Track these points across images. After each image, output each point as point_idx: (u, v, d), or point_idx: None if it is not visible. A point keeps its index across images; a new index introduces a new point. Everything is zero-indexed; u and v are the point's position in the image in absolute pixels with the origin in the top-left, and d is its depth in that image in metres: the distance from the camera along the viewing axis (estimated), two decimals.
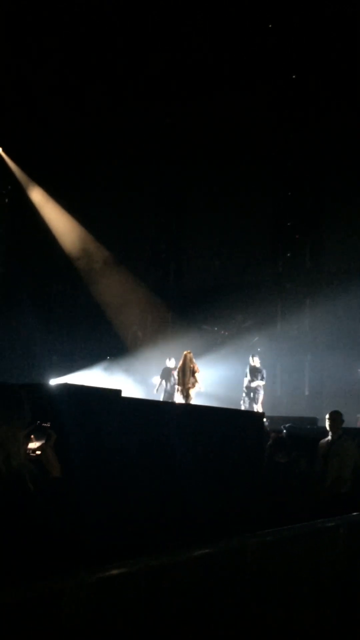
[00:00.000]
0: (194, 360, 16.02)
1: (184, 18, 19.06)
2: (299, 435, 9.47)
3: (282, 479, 7.40)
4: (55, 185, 22.30)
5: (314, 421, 13.77)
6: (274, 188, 21.77)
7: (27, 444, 3.72)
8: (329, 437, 8.69)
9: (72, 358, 21.27)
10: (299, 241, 20.93)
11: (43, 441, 3.82)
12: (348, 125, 18.54)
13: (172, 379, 16.62)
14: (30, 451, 3.74)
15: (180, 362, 15.93)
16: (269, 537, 4.38)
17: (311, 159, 20.57)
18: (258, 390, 16.10)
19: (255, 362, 16.40)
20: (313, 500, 7.50)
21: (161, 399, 16.41)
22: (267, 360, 18.33)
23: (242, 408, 15.72)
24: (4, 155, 22.14)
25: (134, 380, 19.22)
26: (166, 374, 16.99)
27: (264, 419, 10.00)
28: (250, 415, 12.02)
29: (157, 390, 17.00)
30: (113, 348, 21.81)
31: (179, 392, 15.79)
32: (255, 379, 16.20)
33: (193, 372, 15.77)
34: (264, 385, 16.31)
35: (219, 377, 18.17)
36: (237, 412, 12.08)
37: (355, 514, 5.57)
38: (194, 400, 15.61)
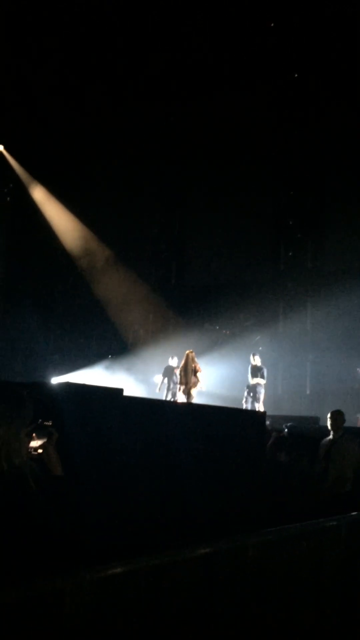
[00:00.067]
0: (196, 359, 16.02)
1: (184, 18, 19.04)
2: (301, 435, 9.45)
3: (284, 478, 7.40)
4: (57, 184, 22.30)
5: (315, 420, 13.77)
6: (275, 187, 21.77)
7: (29, 443, 3.72)
8: (331, 437, 8.68)
9: (73, 357, 21.27)
10: (300, 240, 20.93)
11: (44, 440, 3.82)
12: (349, 124, 18.53)
13: (174, 377, 16.63)
14: (32, 450, 3.75)
15: (183, 362, 15.94)
16: (270, 536, 4.38)
17: (312, 158, 20.57)
18: (258, 388, 16.09)
19: (256, 361, 16.40)
20: (314, 500, 7.49)
21: (163, 398, 16.43)
22: (269, 359, 18.32)
23: (244, 407, 15.72)
24: (5, 153, 22.15)
25: (136, 379, 19.24)
26: (168, 372, 17.01)
27: (266, 418, 10.01)
28: (251, 414, 12.02)
29: (160, 388, 17.01)
30: (114, 347, 21.82)
31: (180, 391, 15.81)
32: (255, 377, 16.21)
33: (195, 372, 15.77)
34: (265, 384, 16.30)
35: (221, 376, 18.17)
36: (238, 412, 12.10)
37: (356, 513, 5.57)
38: (196, 399, 15.61)
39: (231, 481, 6.73)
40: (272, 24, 19.30)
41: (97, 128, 21.24)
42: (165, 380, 16.97)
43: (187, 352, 16.02)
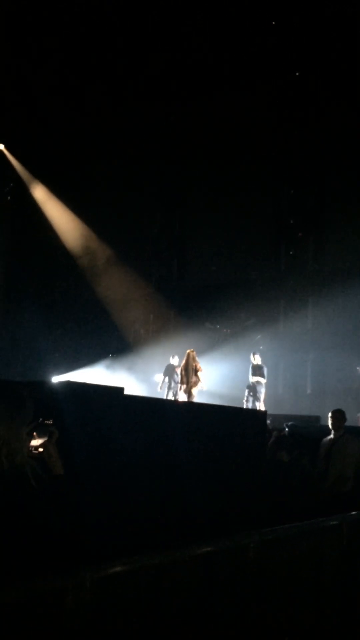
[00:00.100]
0: (197, 358, 16.03)
1: (184, 18, 19.03)
2: (301, 434, 9.46)
3: (284, 477, 7.40)
4: (58, 183, 22.30)
5: (316, 419, 13.77)
6: (276, 186, 21.78)
7: (30, 442, 3.72)
8: (331, 436, 8.68)
9: (74, 356, 21.27)
10: (301, 239, 20.93)
11: (45, 438, 3.82)
12: (350, 123, 18.52)
13: (176, 376, 16.64)
14: (33, 448, 3.75)
15: (184, 361, 15.95)
16: (270, 535, 4.38)
17: (313, 157, 20.57)
18: (259, 387, 16.09)
19: (257, 360, 16.42)
20: (315, 499, 7.49)
21: (165, 396, 16.44)
22: (270, 358, 18.32)
23: (245, 406, 15.72)
24: (6, 152, 22.15)
25: (136, 378, 19.24)
26: (169, 371, 17.02)
27: (266, 418, 10.00)
28: (252, 413, 12.02)
29: (161, 387, 17.02)
30: (115, 346, 21.83)
31: (181, 391, 15.82)
32: (255, 376, 16.22)
33: (196, 371, 15.78)
34: (265, 383, 16.30)
35: (222, 375, 18.17)
36: (239, 411, 12.09)
37: (357, 512, 5.57)
38: (196, 399, 15.62)
39: (232, 480, 6.72)
40: (273, 23, 19.28)
41: (97, 127, 21.24)
42: (167, 379, 16.99)
43: (188, 351, 16.04)
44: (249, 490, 6.75)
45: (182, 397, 15.71)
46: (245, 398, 16.14)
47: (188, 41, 19.66)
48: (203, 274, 22.91)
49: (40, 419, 3.87)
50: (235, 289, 21.26)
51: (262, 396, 16.08)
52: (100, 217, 22.43)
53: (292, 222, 20.99)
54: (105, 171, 22.26)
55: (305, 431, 10.19)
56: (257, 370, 16.29)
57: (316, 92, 19.72)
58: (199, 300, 22.04)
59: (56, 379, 15.55)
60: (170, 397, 16.49)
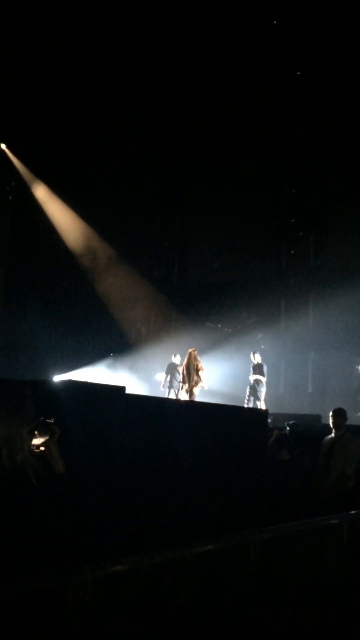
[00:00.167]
0: (198, 358, 16.05)
1: (184, 18, 19.03)
2: (302, 433, 9.45)
3: (285, 476, 7.40)
4: (59, 183, 22.31)
5: (317, 418, 13.77)
6: (277, 185, 21.75)
7: (31, 440, 3.73)
8: (333, 435, 8.68)
9: (76, 355, 21.29)
10: (302, 238, 20.92)
11: (47, 437, 3.83)
12: (350, 122, 18.50)
13: (177, 375, 16.66)
14: (34, 447, 3.75)
15: (185, 360, 15.97)
16: (271, 534, 4.38)
17: (314, 156, 20.54)
18: (259, 386, 16.09)
19: (257, 359, 16.43)
20: (316, 498, 7.50)
21: (167, 395, 16.45)
22: (271, 357, 18.32)
23: (246, 405, 15.73)
24: (7, 152, 22.16)
25: (138, 377, 19.25)
26: (171, 370, 17.03)
27: (267, 416, 10.01)
28: (253, 412, 12.03)
29: (164, 386, 17.02)
30: (117, 345, 21.83)
31: (183, 390, 15.83)
32: (255, 375, 16.23)
33: (197, 370, 15.80)
34: (265, 381, 16.29)
35: (223, 374, 18.17)
36: (240, 410, 12.10)
37: (358, 511, 5.57)
38: (198, 397, 15.63)
39: (233, 479, 6.73)
40: (275, 22, 19.27)
41: (98, 127, 21.24)
42: (169, 377, 17.00)
43: (190, 350, 16.06)
44: (249, 489, 6.76)
45: (184, 396, 15.72)
46: (247, 397, 16.16)
47: (188, 41, 19.65)
48: (204, 273, 22.91)
49: (42, 418, 3.88)
50: (236, 288, 21.26)
51: (262, 395, 16.08)
52: (101, 217, 22.43)
53: (292, 221, 20.98)
54: (106, 171, 22.25)
55: (306, 430, 10.18)
56: (257, 369, 16.30)
57: (316, 92, 19.70)
58: (200, 299, 22.04)
59: (57, 378, 15.57)
60: (172, 396, 16.51)
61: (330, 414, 8.86)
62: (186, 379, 15.75)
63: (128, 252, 22.97)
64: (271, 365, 17.75)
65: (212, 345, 19.27)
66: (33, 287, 22.74)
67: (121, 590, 3.17)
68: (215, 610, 3.75)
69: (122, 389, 6.64)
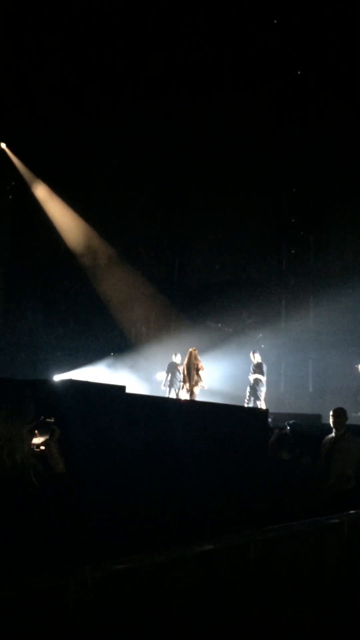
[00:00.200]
0: (198, 357, 16.05)
1: (184, 18, 19.03)
2: (303, 432, 9.46)
3: (285, 476, 7.40)
4: (59, 182, 22.30)
5: (317, 418, 13.76)
6: (278, 185, 21.74)
7: (31, 440, 3.73)
8: (333, 434, 8.68)
9: (76, 354, 21.29)
10: (302, 238, 20.92)
11: (47, 436, 3.84)
12: (350, 122, 18.50)
13: (178, 374, 16.67)
14: (34, 446, 3.76)
15: (186, 359, 15.98)
16: (271, 534, 4.38)
17: (314, 156, 20.54)
18: (259, 385, 16.08)
19: (256, 358, 16.43)
20: (316, 498, 7.50)
21: (168, 394, 16.45)
22: (271, 357, 18.33)
23: (247, 405, 15.73)
24: (8, 151, 22.15)
25: (138, 377, 19.25)
26: (172, 369, 17.03)
27: (268, 416, 10.00)
28: (253, 412, 12.03)
29: (164, 385, 17.02)
30: (117, 344, 21.84)
31: (183, 389, 15.84)
32: (255, 374, 16.23)
33: (197, 370, 15.80)
34: (265, 380, 16.28)
35: (223, 373, 18.18)
36: (240, 409, 12.09)
37: (358, 511, 5.57)
38: (198, 397, 15.64)
39: (233, 479, 6.73)
40: (275, 21, 19.26)
41: (98, 127, 21.23)
42: (169, 376, 17.01)
43: (191, 349, 16.06)
44: (249, 488, 6.75)
45: (184, 395, 15.72)
46: (247, 397, 16.16)
47: (188, 41, 19.65)
48: (204, 273, 22.91)
49: (42, 417, 3.88)
50: (236, 287, 21.27)
51: (262, 395, 16.07)
52: (102, 217, 22.43)
53: (293, 221, 20.98)
54: (107, 170, 22.25)
55: (306, 430, 10.18)
56: (256, 368, 16.31)
57: (317, 90, 19.70)
58: (201, 299, 22.04)
59: (58, 377, 15.57)
60: (173, 395, 16.51)
61: (331, 413, 8.86)
62: (187, 378, 15.76)
63: (128, 251, 22.97)
64: (271, 364, 17.75)
65: (212, 345, 19.26)
66: (33, 287, 22.75)
67: (121, 590, 3.17)
68: (215, 610, 3.75)
69: (123, 388, 6.64)
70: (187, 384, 15.73)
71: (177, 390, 16.62)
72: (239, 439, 7.33)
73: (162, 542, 3.70)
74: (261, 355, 16.73)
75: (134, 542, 4.00)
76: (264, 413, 10.14)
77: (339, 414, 8.76)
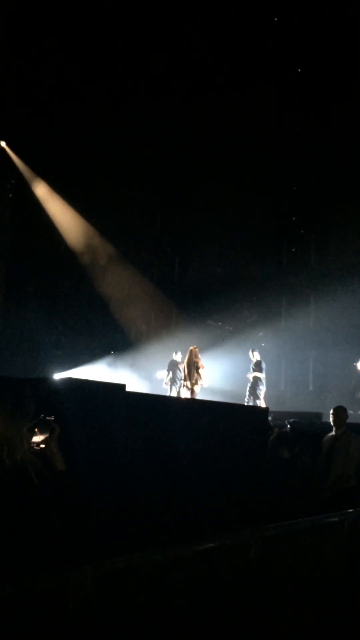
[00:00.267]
0: (199, 355, 16.05)
1: (184, 18, 19.02)
2: (303, 431, 9.44)
3: (286, 474, 7.39)
4: (60, 181, 22.29)
5: (318, 416, 13.75)
6: (278, 184, 21.74)
7: (31, 438, 3.72)
8: (333, 433, 8.67)
9: (76, 353, 21.29)
10: (303, 237, 20.91)
11: (47, 435, 3.83)
12: (351, 121, 18.49)
13: (178, 372, 16.66)
14: (34, 445, 3.75)
15: (187, 357, 15.98)
16: (272, 532, 4.38)
17: (315, 154, 20.54)
18: (257, 384, 16.07)
19: (255, 356, 16.42)
20: (316, 496, 7.49)
21: (169, 392, 16.45)
22: (272, 355, 18.33)
23: (247, 403, 15.72)
24: (8, 149, 22.13)
25: (138, 375, 19.24)
26: (172, 367, 17.02)
27: (268, 414, 10.00)
28: (254, 410, 12.02)
29: (166, 383, 17.02)
30: (117, 343, 21.83)
31: (184, 387, 15.84)
32: (254, 372, 16.22)
33: (197, 368, 15.80)
34: (264, 378, 16.26)
35: (224, 372, 18.17)
36: (240, 407, 12.09)
37: (359, 509, 5.56)
38: (199, 395, 15.64)
39: (233, 477, 6.72)
40: (275, 19, 19.25)
41: (98, 125, 21.22)
42: (170, 375, 17.00)
43: (191, 347, 16.06)
44: (249, 487, 6.75)
45: (185, 393, 15.72)
46: (247, 396, 16.15)
47: (188, 41, 19.65)
48: (205, 271, 22.91)
49: (42, 416, 3.88)
50: (237, 286, 21.25)
51: (261, 394, 16.05)
52: (102, 215, 22.43)
53: (293, 219, 20.97)
54: (107, 169, 22.24)
55: (307, 428, 10.17)
56: (255, 366, 16.30)
57: (317, 91, 19.70)
58: (201, 297, 22.03)
59: (58, 375, 15.55)
60: (174, 393, 16.51)
61: (331, 412, 8.86)
62: (187, 376, 15.77)
63: (129, 250, 22.98)
64: (272, 363, 17.74)
65: (213, 343, 19.25)
66: (33, 285, 22.75)
67: (121, 590, 3.16)
68: (215, 609, 3.75)
69: (123, 386, 6.63)
70: (188, 382, 15.72)
71: (178, 389, 16.61)
72: (239, 438, 7.33)
73: (162, 541, 3.70)
74: (261, 353, 16.72)
75: (134, 541, 4.00)
76: (264, 411, 10.14)
77: (339, 412, 8.76)
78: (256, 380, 16.12)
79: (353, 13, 17.93)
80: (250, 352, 16.64)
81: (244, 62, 19.59)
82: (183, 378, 16.04)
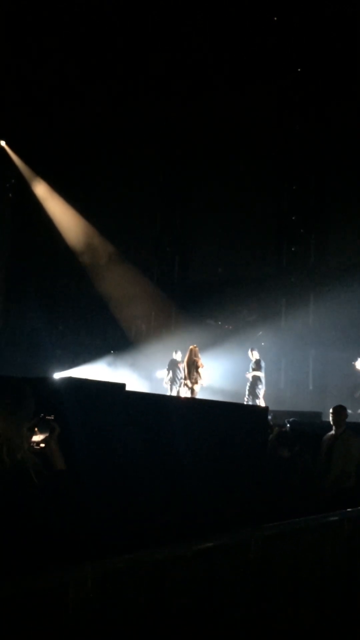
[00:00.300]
0: (199, 354, 16.05)
1: (184, 18, 19.02)
2: (303, 430, 9.45)
3: (285, 473, 7.39)
4: (60, 180, 22.29)
5: (318, 416, 13.75)
6: (278, 183, 21.73)
7: (31, 437, 3.72)
8: (333, 432, 8.68)
9: (76, 352, 21.29)
10: (303, 236, 20.90)
11: (47, 434, 3.83)
12: (351, 120, 18.48)
13: (178, 371, 16.67)
14: (34, 444, 3.75)
15: (187, 356, 15.98)
16: (271, 531, 4.38)
17: (315, 153, 20.53)
18: (257, 383, 16.07)
19: (254, 355, 16.42)
20: (316, 496, 7.49)
21: (169, 391, 16.46)
22: (272, 354, 18.33)
23: (246, 402, 15.72)
24: (7, 149, 22.13)
25: (138, 374, 19.24)
26: (172, 366, 17.03)
27: (268, 413, 9.99)
28: (253, 409, 12.02)
29: (166, 382, 17.02)
30: (117, 342, 21.82)
31: (184, 386, 15.85)
32: (253, 371, 16.22)
33: (196, 367, 15.80)
34: (264, 378, 16.26)
35: (224, 371, 18.18)
36: (240, 407, 12.08)
37: (358, 509, 5.56)
38: (199, 394, 15.64)
39: (233, 476, 6.72)
40: (275, 18, 19.24)
41: (98, 124, 21.23)
42: (170, 374, 17.01)
43: (191, 347, 16.06)
44: (249, 486, 6.75)
45: (184, 392, 15.72)
46: (246, 396, 16.15)
47: (188, 41, 19.65)
48: (205, 271, 22.90)
49: (42, 415, 3.87)
50: (236, 285, 21.25)
51: (261, 393, 16.06)
52: (102, 214, 22.42)
53: (293, 218, 20.96)
54: (107, 168, 22.24)
55: (306, 427, 10.18)
56: (255, 366, 16.31)
57: (317, 90, 19.69)
58: (201, 296, 22.02)
59: (58, 375, 15.55)
60: (175, 392, 16.52)
61: (331, 411, 8.87)
62: (187, 375, 15.78)
63: (129, 249, 22.96)
64: (272, 362, 17.74)
65: (212, 343, 19.25)
66: (33, 285, 22.74)
67: (121, 589, 3.16)
68: (215, 609, 3.75)
69: (123, 386, 6.63)
70: (188, 381, 15.73)
71: (178, 388, 16.62)
72: (239, 437, 7.32)
73: (162, 540, 3.70)
74: (261, 352, 16.72)
75: (134, 540, 4.00)
76: (263, 411, 10.13)
77: (339, 411, 8.77)
78: (255, 379, 16.12)
79: (353, 13, 17.93)
80: (249, 351, 16.64)
81: (243, 62, 19.58)
82: (183, 377, 16.05)
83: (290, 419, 10.69)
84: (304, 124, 20.16)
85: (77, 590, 2.88)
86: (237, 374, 17.57)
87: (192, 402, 11.57)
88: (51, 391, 5.71)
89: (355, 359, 17.01)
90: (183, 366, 16.16)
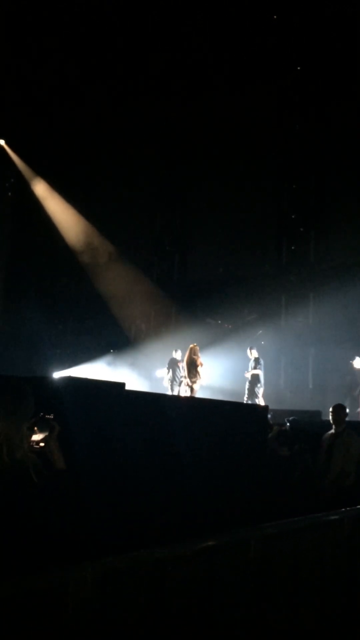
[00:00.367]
0: (198, 353, 16.05)
1: (184, 18, 19.02)
2: (303, 429, 9.45)
3: (285, 472, 7.39)
4: (59, 179, 22.28)
5: (317, 414, 13.75)
6: (278, 182, 21.72)
7: (31, 436, 3.72)
8: (333, 431, 8.68)
9: (76, 351, 21.28)
10: (302, 234, 20.89)
11: (46, 433, 3.83)
12: (351, 118, 18.47)
13: (179, 370, 16.67)
14: (34, 443, 3.75)
15: (187, 355, 15.98)
16: (271, 530, 4.38)
17: (314, 152, 20.51)
18: (256, 382, 16.06)
19: (253, 354, 16.42)
20: (316, 494, 7.49)
21: (170, 390, 16.46)
22: (271, 353, 18.31)
23: (246, 401, 15.72)
24: (7, 148, 22.12)
25: (138, 374, 19.24)
26: (172, 365, 17.03)
27: (268, 412, 9.98)
28: (253, 408, 12.01)
29: (166, 381, 17.01)
30: (117, 342, 21.82)
31: (184, 385, 15.85)
32: (252, 370, 16.22)
33: (196, 366, 15.80)
34: (263, 376, 16.25)
35: (224, 370, 18.17)
36: (240, 405, 12.08)
37: (358, 507, 5.56)
38: (198, 393, 15.64)
39: (232, 476, 6.72)
40: (275, 17, 19.23)
41: (98, 124, 21.23)
42: (171, 372, 17.01)
43: (191, 345, 16.06)
44: (249, 485, 6.75)
45: (184, 391, 15.72)
46: (246, 395, 16.15)
47: (188, 41, 19.65)
48: (205, 270, 22.89)
49: (42, 414, 3.87)
50: (236, 284, 21.23)
51: (260, 392, 16.06)
52: (102, 214, 22.42)
53: (293, 217, 20.95)
54: (107, 167, 22.24)
55: (306, 426, 10.17)
56: (253, 364, 16.31)
57: (317, 89, 19.68)
58: (200, 295, 22.01)
59: (58, 374, 15.55)
60: (175, 391, 16.52)
61: (331, 410, 8.87)
62: (187, 374, 15.79)
63: (128, 248, 22.96)
64: (271, 361, 17.73)
65: (212, 342, 19.24)
66: (33, 284, 22.74)
67: (121, 588, 3.16)
68: (215, 609, 3.75)
69: (122, 385, 6.62)
70: (188, 380, 15.74)
71: (178, 387, 16.62)
72: (239, 436, 7.32)
73: (162, 539, 3.70)
74: (260, 351, 16.72)
75: (134, 539, 4.00)
76: (263, 409, 10.13)
77: (339, 410, 8.77)
78: (255, 378, 16.12)
79: (353, 13, 17.92)
80: (248, 350, 16.64)
81: (243, 62, 19.57)
82: (184, 376, 16.06)
83: (290, 418, 10.68)
84: (304, 124, 20.15)
85: (77, 590, 2.88)
86: (237, 373, 17.56)
87: (192, 401, 11.56)
88: (51, 390, 5.71)
89: (353, 358, 17.00)
90: (183, 365, 16.16)
